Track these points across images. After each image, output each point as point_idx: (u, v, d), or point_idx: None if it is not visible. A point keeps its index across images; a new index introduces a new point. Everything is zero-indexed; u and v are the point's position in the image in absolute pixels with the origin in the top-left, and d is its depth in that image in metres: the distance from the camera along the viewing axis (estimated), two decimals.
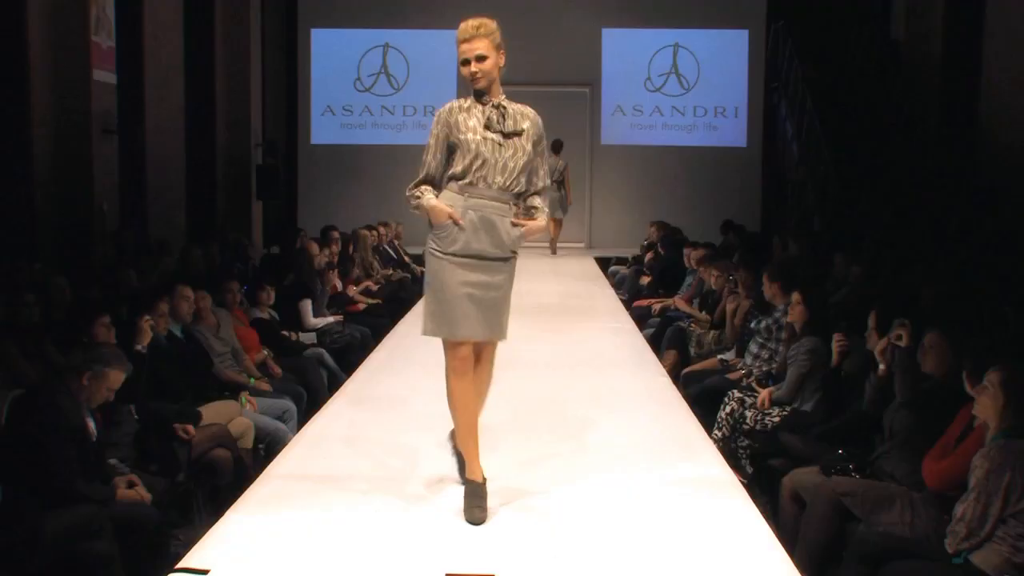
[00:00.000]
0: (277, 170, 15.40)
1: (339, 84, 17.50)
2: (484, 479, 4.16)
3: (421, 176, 4.27)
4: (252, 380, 6.83)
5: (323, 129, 17.57)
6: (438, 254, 4.18)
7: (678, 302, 9.65)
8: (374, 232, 12.45)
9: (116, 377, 4.80)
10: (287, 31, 17.53)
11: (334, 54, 17.46)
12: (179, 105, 12.64)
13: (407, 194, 4.28)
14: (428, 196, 4.20)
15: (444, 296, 4.15)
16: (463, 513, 4.08)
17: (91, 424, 4.77)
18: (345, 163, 17.23)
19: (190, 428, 5.59)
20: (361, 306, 10.24)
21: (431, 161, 4.25)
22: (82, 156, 9.96)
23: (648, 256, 12.80)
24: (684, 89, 17.40)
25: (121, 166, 10.98)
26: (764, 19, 17.14)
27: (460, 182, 4.17)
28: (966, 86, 13.34)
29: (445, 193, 4.23)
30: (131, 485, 4.75)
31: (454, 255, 4.15)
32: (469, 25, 4.17)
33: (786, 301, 6.66)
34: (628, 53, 17.34)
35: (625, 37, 17.35)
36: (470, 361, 4.20)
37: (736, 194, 16.81)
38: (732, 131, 17.38)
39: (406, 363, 7.23)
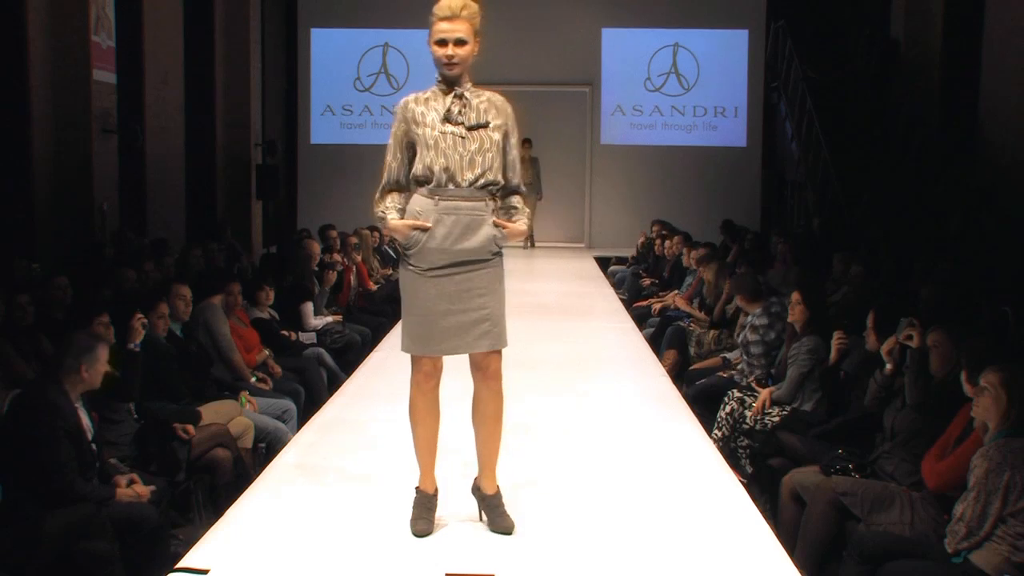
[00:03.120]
0: (277, 170, 15.40)
1: (339, 84, 17.50)
2: (435, 491, 4.01)
3: (384, 180, 3.97)
4: (254, 378, 6.85)
5: (323, 129, 17.57)
6: (414, 270, 3.87)
7: (678, 302, 9.65)
8: (375, 232, 12.45)
9: (103, 355, 4.76)
10: (287, 31, 17.54)
11: (334, 54, 17.45)
12: (179, 105, 12.64)
13: (374, 209, 3.97)
14: (390, 217, 3.91)
15: (421, 312, 3.86)
16: (409, 524, 3.93)
17: (86, 421, 4.76)
18: (345, 163, 17.21)
19: (190, 428, 5.59)
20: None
21: (392, 162, 3.94)
22: (82, 156, 9.95)
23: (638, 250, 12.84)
24: (684, 89, 17.40)
25: (121, 166, 10.98)
26: (764, 19, 17.15)
27: (428, 185, 3.84)
28: (966, 86, 13.33)
29: (415, 199, 3.89)
30: (130, 484, 4.75)
31: (430, 270, 3.83)
32: (454, 3, 3.81)
33: (753, 309, 7.02)
34: (628, 53, 17.34)
35: (625, 37, 17.35)
36: (433, 376, 3.97)
37: (736, 194, 16.81)
38: (732, 131, 17.37)
39: (406, 363, 7.19)
